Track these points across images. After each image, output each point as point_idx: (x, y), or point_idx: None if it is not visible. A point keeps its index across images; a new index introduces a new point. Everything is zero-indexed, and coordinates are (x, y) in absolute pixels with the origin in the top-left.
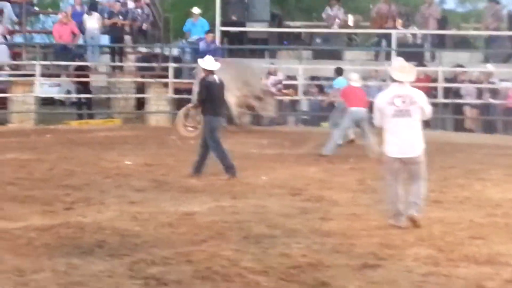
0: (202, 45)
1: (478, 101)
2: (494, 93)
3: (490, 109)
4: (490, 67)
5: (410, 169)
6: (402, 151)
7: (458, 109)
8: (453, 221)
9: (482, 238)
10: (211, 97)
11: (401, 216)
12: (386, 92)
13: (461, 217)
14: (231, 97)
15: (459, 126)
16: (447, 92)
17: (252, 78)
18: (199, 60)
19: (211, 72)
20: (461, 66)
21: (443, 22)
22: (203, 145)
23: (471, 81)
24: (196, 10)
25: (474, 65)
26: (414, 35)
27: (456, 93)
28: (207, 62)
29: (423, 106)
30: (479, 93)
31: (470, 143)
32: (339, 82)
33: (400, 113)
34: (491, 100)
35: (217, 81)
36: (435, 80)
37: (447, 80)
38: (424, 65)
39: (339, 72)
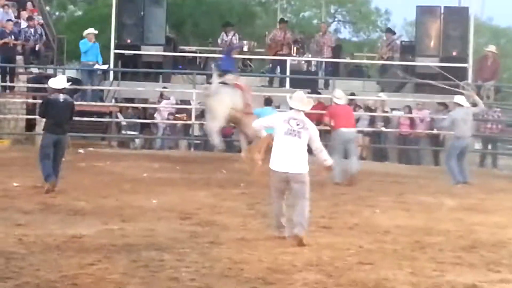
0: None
1: (370, 129)
2: (386, 121)
3: (382, 137)
4: (383, 95)
5: (294, 188)
6: (287, 167)
7: None
8: (342, 246)
9: (370, 263)
10: (49, 114)
11: (283, 228)
12: (283, 113)
13: (350, 242)
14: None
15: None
16: None
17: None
18: (50, 80)
19: (58, 91)
20: (354, 94)
21: (337, 51)
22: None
23: (364, 109)
24: (91, 31)
25: (367, 94)
26: (308, 63)
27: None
28: (56, 81)
29: (315, 134)
30: (371, 121)
31: (361, 170)
32: (263, 111)
33: (291, 133)
34: (383, 129)
35: (61, 99)
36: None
37: None
38: (317, 93)
39: (267, 102)
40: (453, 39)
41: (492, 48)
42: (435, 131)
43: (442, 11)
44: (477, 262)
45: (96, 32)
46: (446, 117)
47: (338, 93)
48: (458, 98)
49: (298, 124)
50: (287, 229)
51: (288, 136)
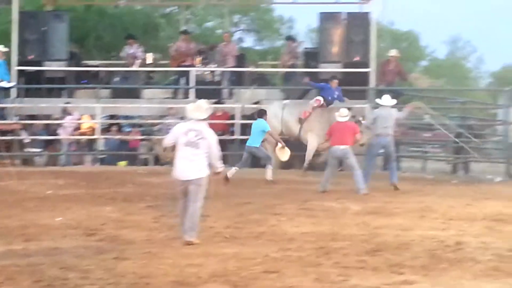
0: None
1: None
2: None
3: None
4: (286, 103)
5: (189, 190)
6: (187, 175)
7: None
8: (248, 256)
9: (276, 271)
10: None
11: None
12: (184, 124)
13: (256, 252)
14: (314, 140)
15: (255, 162)
16: (245, 129)
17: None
18: None
19: None
20: (259, 102)
21: (241, 60)
22: None
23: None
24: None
25: (271, 102)
26: (212, 73)
27: None
28: None
29: (212, 143)
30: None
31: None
32: (254, 123)
33: (190, 144)
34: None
35: None
36: (233, 117)
37: (245, 116)
38: (222, 102)
39: (259, 114)
40: (356, 45)
41: (394, 52)
42: None
43: (344, 17)
44: (381, 265)
45: (7, 49)
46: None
47: (342, 111)
48: (383, 98)
49: (196, 135)
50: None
51: (188, 147)
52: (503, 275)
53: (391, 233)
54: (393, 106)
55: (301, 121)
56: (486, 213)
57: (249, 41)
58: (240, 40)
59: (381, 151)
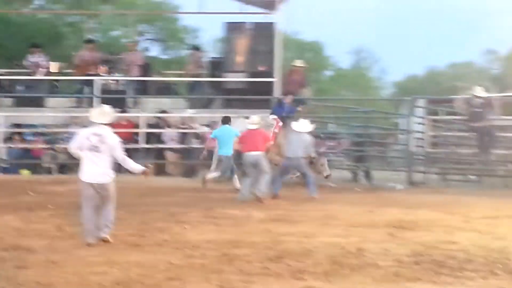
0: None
1: (179, 146)
2: (195, 137)
3: (190, 153)
4: (191, 112)
5: (101, 195)
6: (93, 178)
7: (160, 154)
8: (152, 264)
9: (179, 279)
10: None
11: (91, 235)
12: (87, 129)
13: (159, 259)
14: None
15: (161, 171)
16: (150, 138)
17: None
18: None
19: None
20: (164, 112)
21: (146, 69)
22: None
23: (172, 127)
24: None
25: (176, 111)
26: (117, 82)
27: (158, 139)
28: None
29: (113, 146)
30: (181, 138)
31: (171, 187)
32: (220, 130)
33: (94, 148)
34: (192, 145)
35: None
36: (138, 126)
37: (150, 125)
38: (126, 111)
39: (225, 121)
40: (261, 54)
41: (299, 62)
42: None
43: (249, 27)
44: (283, 271)
45: None
46: None
47: (252, 119)
48: (299, 123)
49: (98, 140)
50: (95, 235)
51: (91, 152)
52: (403, 280)
53: (294, 240)
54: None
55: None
56: (387, 220)
57: (154, 51)
58: (146, 49)
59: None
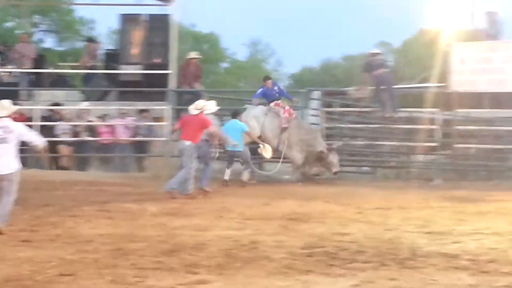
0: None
1: (73, 139)
2: (89, 130)
3: (84, 146)
4: (85, 105)
5: (3, 185)
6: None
7: (53, 147)
8: (43, 259)
9: (71, 274)
10: None
11: None
12: None
13: (51, 255)
14: (297, 154)
15: (54, 164)
16: (43, 131)
17: (311, 139)
18: None
19: None
20: (58, 104)
21: (40, 61)
22: None
23: (66, 120)
24: None
25: (71, 103)
26: (10, 74)
27: (52, 132)
28: None
29: (21, 132)
30: (74, 131)
31: (65, 180)
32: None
33: (1, 140)
34: (86, 138)
35: None
36: (31, 119)
37: (43, 118)
38: (19, 104)
39: (235, 115)
40: (156, 46)
41: (194, 54)
42: (139, 138)
43: (145, 18)
44: (176, 265)
45: None
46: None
47: (197, 104)
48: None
49: (5, 132)
50: None
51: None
52: (295, 273)
53: (188, 234)
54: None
55: (282, 130)
56: (281, 213)
57: (49, 42)
58: (40, 40)
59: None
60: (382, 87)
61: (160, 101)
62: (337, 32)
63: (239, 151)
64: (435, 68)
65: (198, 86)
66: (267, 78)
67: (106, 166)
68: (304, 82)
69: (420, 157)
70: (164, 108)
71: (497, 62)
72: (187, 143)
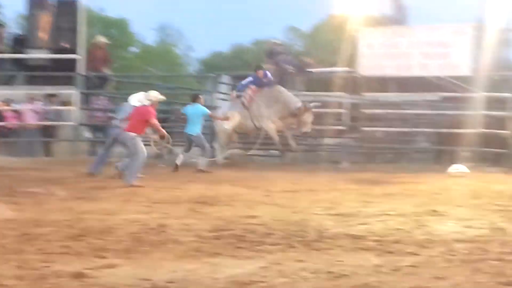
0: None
1: None
2: None
3: None
4: None
5: None
6: None
7: None
8: None
9: None
10: None
11: None
12: None
13: None
14: (269, 124)
15: None
16: None
17: (282, 97)
18: None
19: None
20: None
21: None
22: None
23: None
24: None
25: None
26: None
27: None
28: None
29: None
30: None
31: None
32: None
33: None
34: None
35: None
36: None
37: None
38: None
39: (195, 98)
40: (65, 31)
41: (101, 39)
42: (47, 123)
43: (53, 3)
44: (84, 250)
45: None
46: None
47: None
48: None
49: None
50: None
51: None
52: (203, 255)
53: (96, 218)
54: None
55: (245, 107)
56: (190, 196)
57: None
58: None
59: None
60: (283, 75)
61: (68, 85)
62: (247, 17)
63: (194, 135)
64: (343, 53)
65: (106, 71)
66: (258, 67)
67: (13, 151)
68: (214, 67)
69: (329, 140)
70: (72, 92)
71: (403, 47)
72: (127, 134)
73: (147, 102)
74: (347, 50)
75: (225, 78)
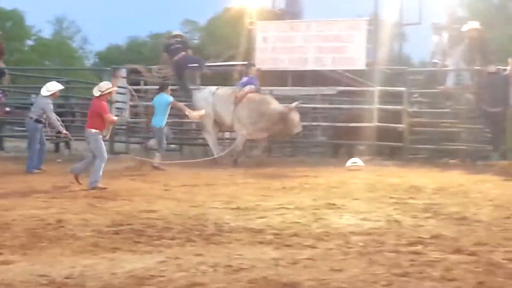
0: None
1: None
2: None
3: None
4: None
5: None
6: None
7: None
8: None
9: None
10: None
11: None
12: None
13: None
14: (243, 132)
15: None
16: None
17: (266, 107)
18: None
19: None
20: None
21: None
22: None
23: None
24: None
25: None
26: None
27: None
28: None
29: None
30: None
31: None
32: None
33: None
34: None
35: None
36: None
37: None
38: None
39: (162, 88)
40: None
41: None
42: None
43: None
44: None
45: None
46: None
47: (101, 85)
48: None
49: None
50: None
51: None
52: (101, 251)
53: None
54: None
55: (236, 100)
56: (88, 191)
57: None
58: None
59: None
60: (181, 70)
61: None
62: (143, 10)
63: (156, 127)
64: (240, 46)
65: (0, 64)
66: (251, 65)
67: None
68: (110, 60)
69: (227, 134)
70: None
71: (299, 41)
72: (88, 131)
73: (97, 94)
74: (244, 43)
75: (122, 72)
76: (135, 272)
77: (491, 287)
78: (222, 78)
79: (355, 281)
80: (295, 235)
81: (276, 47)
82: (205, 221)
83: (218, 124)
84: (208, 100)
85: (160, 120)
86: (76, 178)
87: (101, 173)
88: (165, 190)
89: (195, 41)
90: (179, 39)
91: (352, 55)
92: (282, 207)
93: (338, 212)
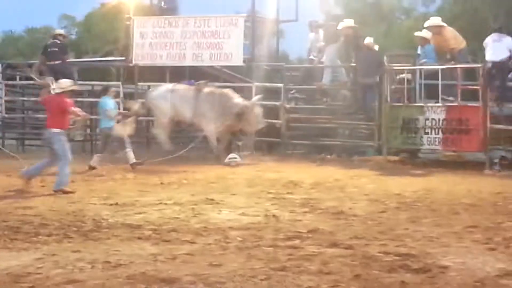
0: None
1: None
2: None
3: None
4: None
5: None
6: None
7: None
8: None
9: None
10: None
11: None
12: None
13: None
14: (209, 125)
15: None
16: None
17: (228, 100)
18: None
19: None
20: None
21: None
22: None
23: None
24: None
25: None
26: None
27: None
28: None
29: None
30: None
31: None
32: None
33: None
34: None
35: None
36: None
37: None
38: None
39: (103, 92)
40: None
41: None
42: None
43: None
44: None
45: None
46: None
47: (61, 82)
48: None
49: None
50: None
51: None
52: None
53: None
54: None
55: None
56: None
57: None
58: None
59: None
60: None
61: None
62: (19, 4)
63: (101, 128)
64: (118, 41)
65: None
66: None
67: None
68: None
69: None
70: None
71: (176, 37)
72: (52, 131)
73: (58, 91)
74: (122, 39)
75: None
76: (10, 269)
77: (367, 279)
78: (100, 73)
79: (233, 275)
80: (173, 230)
81: (153, 42)
82: (83, 217)
83: (176, 121)
84: (167, 98)
85: (104, 122)
86: (27, 182)
87: (68, 176)
88: (42, 186)
89: (73, 37)
90: (59, 41)
91: (229, 51)
92: (160, 203)
93: (217, 207)
